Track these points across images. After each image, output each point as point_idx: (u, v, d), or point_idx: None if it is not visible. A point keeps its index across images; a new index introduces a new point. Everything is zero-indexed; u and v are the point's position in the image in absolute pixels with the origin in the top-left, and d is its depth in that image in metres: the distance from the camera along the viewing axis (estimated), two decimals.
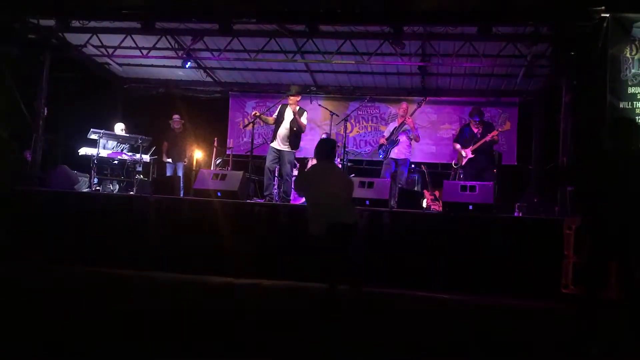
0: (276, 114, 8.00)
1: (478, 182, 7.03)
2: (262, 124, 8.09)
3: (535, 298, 5.87)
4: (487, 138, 8.04)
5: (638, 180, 3.82)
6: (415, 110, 8.61)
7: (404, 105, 8.78)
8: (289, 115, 7.78)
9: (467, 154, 8.18)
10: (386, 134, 8.74)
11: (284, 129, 7.76)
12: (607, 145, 4.00)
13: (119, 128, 9.46)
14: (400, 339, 4.02)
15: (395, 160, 8.46)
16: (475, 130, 8.25)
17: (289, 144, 7.77)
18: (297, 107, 7.83)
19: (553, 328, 4.78)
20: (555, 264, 5.88)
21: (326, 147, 5.21)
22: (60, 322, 3.98)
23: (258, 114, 8.13)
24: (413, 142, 8.70)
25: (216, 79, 11.49)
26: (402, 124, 8.50)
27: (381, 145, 8.71)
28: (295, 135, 7.81)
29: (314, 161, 6.68)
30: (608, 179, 3.85)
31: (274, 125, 8.00)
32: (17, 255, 6.80)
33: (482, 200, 6.60)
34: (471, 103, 10.58)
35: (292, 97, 7.81)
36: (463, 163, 8.27)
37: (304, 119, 7.86)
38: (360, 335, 4.04)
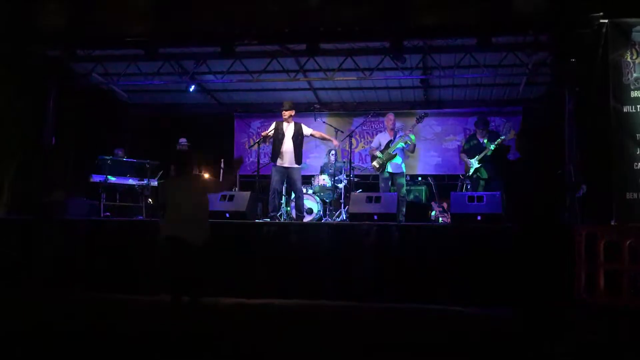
0: (272, 132, 7.90)
1: (485, 192, 7.02)
2: (267, 143, 8.11)
3: (548, 307, 5.81)
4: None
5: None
6: (416, 124, 8.57)
7: (390, 116, 8.64)
8: (289, 131, 7.80)
9: (473, 164, 8.17)
10: (374, 145, 8.65)
11: (288, 145, 7.77)
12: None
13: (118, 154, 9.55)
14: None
15: (393, 175, 8.40)
16: (481, 140, 8.28)
17: (296, 160, 7.80)
18: (302, 125, 7.90)
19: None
20: (567, 272, 5.84)
21: (180, 160, 5.05)
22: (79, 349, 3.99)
23: (265, 134, 8.07)
24: (407, 153, 8.62)
25: (220, 100, 11.60)
26: (399, 137, 8.40)
27: (374, 157, 8.57)
28: (300, 150, 7.85)
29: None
30: None
31: (271, 145, 7.94)
32: (29, 283, 6.84)
33: (490, 210, 6.58)
34: (475, 113, 10.62)
35: (286, 112, 7.81)
36: (470, 173, 8.27)
37: (309, 130, 7.96)
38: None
